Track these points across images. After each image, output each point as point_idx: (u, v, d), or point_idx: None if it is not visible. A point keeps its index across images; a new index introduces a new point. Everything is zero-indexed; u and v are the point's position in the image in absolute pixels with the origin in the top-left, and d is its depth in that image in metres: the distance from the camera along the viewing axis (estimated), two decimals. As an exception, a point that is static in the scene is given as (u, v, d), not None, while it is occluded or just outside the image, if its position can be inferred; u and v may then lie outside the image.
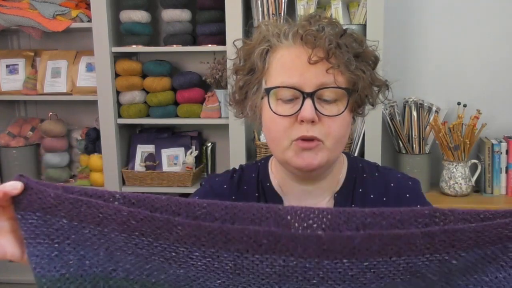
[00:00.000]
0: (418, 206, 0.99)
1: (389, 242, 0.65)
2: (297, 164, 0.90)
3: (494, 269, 0.69)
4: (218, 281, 0.67)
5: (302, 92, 0.87)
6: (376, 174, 1.02)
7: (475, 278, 0.70)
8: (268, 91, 0.90)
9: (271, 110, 0.89)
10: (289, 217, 0.67)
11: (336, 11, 2.16)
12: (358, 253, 0.65)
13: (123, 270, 0.68)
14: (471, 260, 0.68)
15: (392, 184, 1.00)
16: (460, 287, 0.70)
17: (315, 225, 0.67)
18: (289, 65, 0.89)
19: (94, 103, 2.41)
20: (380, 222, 0.67)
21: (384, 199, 0.99)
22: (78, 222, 0.67)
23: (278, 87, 0.89)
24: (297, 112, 0.87)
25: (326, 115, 0.88)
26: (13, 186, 0.66)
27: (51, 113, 2.55)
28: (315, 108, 0.87)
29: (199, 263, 0.66)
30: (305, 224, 0.67)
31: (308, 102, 0.86)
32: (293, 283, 0.66)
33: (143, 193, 0.72)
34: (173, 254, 0.66)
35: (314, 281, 0.66)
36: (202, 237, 0.65)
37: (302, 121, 0.87)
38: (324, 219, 0.67)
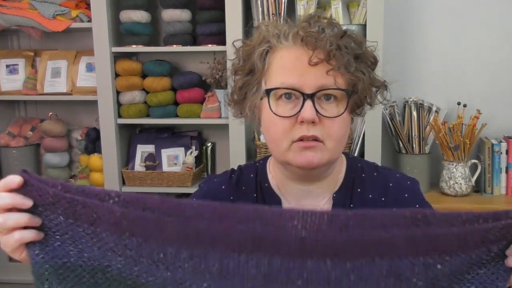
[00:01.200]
0: (417, 205, 0.99)
1: (371, 243, 0.66)
2: (298, 162, 0.90)
3: (476, 267, 0.70)
4: (204, 285, 0.68)
5: (302, 93, 0.87)
6: (375, 174, 1.02)
7: (458, 278, 0.71)
8: (268, 92, 0.90)
9: (271, 111, 0.89)
10: (274, 218, 0.68)
11: (336, 11, 2.16)
12: (341, 254, 0.66)
13: (116, 269, 0.70)
14: (456, 264, 0.69)
15: (390, 184, 1.00)
16: None
17: (299, 226, 0.67)
18: (289, 66, 0.89)
19: (94, 103, 2.41)
20: (362, 224, 0.68)
21: (383, 199, 0.99)
22: (74, 221, 0.69)
23: (279, 88, 0.89)
24: (297, 113, 0.87)
25: (326, 116, 0.88)
26: (12, 180, 0.68)
27: (51, 113, 2.55)
28: (315, 109, 0.87)
29: (186, 265, 0.68)
30: (289, 225, 0.67)
31: (309, 103, 0.87)
32: (278, 285, 0.67)
33: (142, 193, 0.73)
34: (161, 255, 0.68)
35: (299, 283, 0.67)
36: (190, 237, 0.67)
37: (302, 121, 0.87)
38: (308, 220, 0.67)
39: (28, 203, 0.69)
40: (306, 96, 0.87)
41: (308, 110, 0.86)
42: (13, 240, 0.69)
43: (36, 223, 0.69)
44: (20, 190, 0.69)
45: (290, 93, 0.88)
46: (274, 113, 0.89)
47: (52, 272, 0.69)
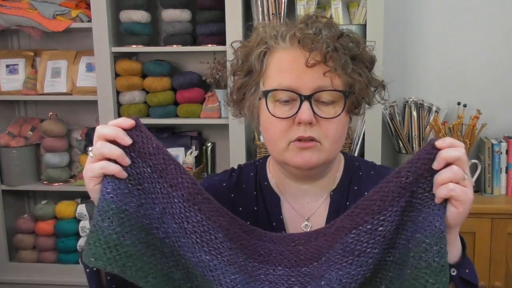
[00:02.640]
0: None
1: (327, 244, 0.81)
2: (296, 162, 0.90)
3: (416, 215, 0.76)
4: (232, 276, 0.77)
5: (300, 95, 0.87)
6: (372, 172, 1.03)
7: (401, 230, 0.77)
8: (265, 93, 0.91)
9: (269, 112, 0.90)
10: (280, 239, 0.84)
11: (336, 11, 2.16)
12: (321, 255, 0.81)
13: (164, 232, 0.77)
14: (394, 219, 0.76)
15: None
16: (404, 245, 0.77)
17: (296, 242, 0.84)
18: (286, 68, 0.89)
19: (94, 103, 2.41)
20: (330, 230, 0.83)
21: None
22: (158, 176, 0.76)
23: (276, 89, 0.89)
24: (294, 114, 0.88)
25: (323, 117, 0.89)
26: (125, 120, 0.76)
27: (51, 113, 2.54)
28: (313, 111, 0.87)
29: (224, 253, 0.77)
30: (292, 243, 0.84)
31: (306, 104, 0.87)
32: None
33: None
34: (212, 237, 0.77)
35: (296, 287, 0.80)
36: (234, 234, 0.80)
37: (299, 123, 0.88)
38: (302, 239, 0.84)
39: (128, 140, 0.75)
40: (303, 98, 0.87)
41: (305, 111, 0.87)
42: (98, 167, 0.74)
43: (126, 163, 0.75)
44: (128, 131, 0.76)
45: (287, 95, 0.89)
46: (272, 115, 0.90)
47: (116, 213, 0.73)
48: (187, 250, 0.77)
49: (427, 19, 2.42)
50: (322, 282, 0.76)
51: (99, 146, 0.74)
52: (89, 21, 2.39)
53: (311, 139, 0.88)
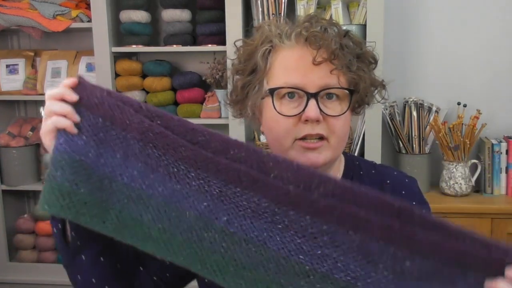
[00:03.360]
0: (414, 203, 0.99)
1: (348, 216, 0.74)
2: (301, 162, 0.90)
3: (446, 285, 0.73)
4: (205, 203, 0.77)
5: (306, 92, 0.88)
6: (373, 171, 1.03)
7: (425, 285, 0.74)
8: (272, 91, 0.90)
9: (275, 110, 0.90)
10: (271, 164, 0.77)
11: (336, 11, 2.16)
12: (319, 215, 0.74)
13: (129, 176, 0.77)
14: (425, 270, 0.73)
15: (388, 181, 1.01)
16: None
17: (289, 179, 0.76)
18: (292, 66, 0.89)
19: (94, 103, 2.41)
20: (347, 197, 0.75)
21: None
22: (110, 123, 0.77)
23: (282, 87, 0.89)
24: (301, 112, 0.88)
25: (330, 115, 0.89)
26: (68, 80, 0.79)
27: (51, 113, 2.54)
28: (319, 108, 0.87)
29: (193, 183, 0.77)
30: (282, 175, 0.77)
31: (313, 102, 0.87)
32: (262, 222, 0.76)
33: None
34: (175, 170, 0.77)
35: (280, 226, 0.75)
36: (198, 162, 0.77)
37: (306, 120, 0.88)
38: (299, 177, 0.76)
39: (74, 97, 0.78)
40: (310, 95, 0.87)
41: (312, 109, 0.87)
42: (50, 122, 0.77)
43: (75, 119, 0.77)
44: (74, 89, 0.78)
45: (294, 92, 0.89)
46: (278, 112, 0.89)
47: (69, 163, 0.76)
48: (157, 185, 0.77)
49: (427, 19, 2.42)
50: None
51: (48, 105, 0.79)
52: (89, 21, 2.39)
53: (320, 137, 0.89)
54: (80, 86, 0.79)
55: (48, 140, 0.79)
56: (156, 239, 0.78)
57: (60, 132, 0.77)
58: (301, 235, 0.75)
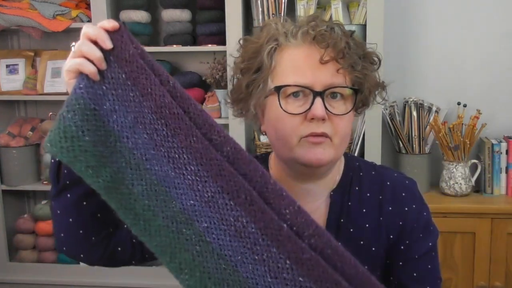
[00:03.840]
0: (414, 206, 0.99)
1: (329, 281, 0.71)
2: (307, 159, 0.90)
3: None
4: (191, 202, 0.75)
5: (312, 91, 0.88)
6: (373, 172, 1.03)
7: None
8: (278, 89, 0.90)
9: (281, 108, 0.90)
10: (272, 195, 0.75)
11: (336, 11, 2.16)
12: (300, 265, 0.72)
13: (133, 143, 0.76)
14: None
15: (388, 183, 1.00)
16: None
17: (286, 216, 0.74)
18: (299, 64, 0.90)
19: (94, 103, 2.41)
20: (334, 261, 0.73)
21: (380, 197, 0.99)
22: (131, 84, 0.75)
23: (289, 85, 0.89)
24: (307, 110, 0.88)
25: (335, 114, 0.89)
26: (109, 22, 0.75)
27: (51, 113, 2.54)
28: (325, 107, 0.88)
29: (188, 176, 0.74)
30: (281, 209, 0.74)
31: (319, 100, 0.88)
32: (240, 246, 0.74)
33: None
34: (176, 156, 0.74)
35: (256, 257, 0.73)
36: (204, 157, 0.74)
37: (312, 119, 0.88)
38: (297, 218, 0.74)
39: (109, 45, 0.74)
40: (316, 94, 0.88)
41: (318, 107, 0.87)
42: (75, 63, 0.75)
43: (102, 66, 0.75)
44: (110, 34, 0.75)
45: (299, 91, 0.89)
46: (284, 110, 0.89)
47: (82, 109, 0.74)
48: (155, 163, 0.75)
49: (427, 19, 2.42)
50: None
51: (80, 43, 0.76)
52: (89, 21, 2.39)
53: (323, 135, 0.89)
54: (118, 33, 0.75)
55: (68, 78, 0.78)
56: (138, 214, 0.77)
57: (82, 75, 0.75)
58: (274, 276, 0.72)
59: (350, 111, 0.91)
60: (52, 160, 0.88)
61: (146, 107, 0.74)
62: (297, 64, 0.90)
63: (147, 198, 0.76)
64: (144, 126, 0.75)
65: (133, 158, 0.76)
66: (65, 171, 0.86)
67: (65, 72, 0.78)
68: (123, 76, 0.75)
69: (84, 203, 0.88)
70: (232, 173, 0.74)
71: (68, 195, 0.88)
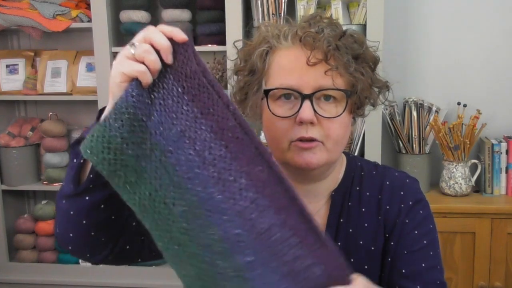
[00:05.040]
0: (410, 203, 0.98)
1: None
2: (297, 163, 0.90)
3: None
4: (237, 231, 0.68)
5: (301, 94, 0.87)
6: (374, 172, 1.02)
7: None
8: (266, 92, 0.90)
9: (270, 111, 0.90)
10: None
11: (336, 11, 2.16)
12: None
13: (176, 159, 0.69)
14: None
15: (387, 182, 1.00)
16: None
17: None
18: (288, 67, 0.89)
19: (94, 103, 2.41)
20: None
21: (379, 196, 0.99)
22: (189, 99, 0.69)
23: (277, 88, 0.89)
24: (295, 113, 0.88)
25: (324, 117, 0.88)
26: (180, 34, 0.70)
27: (51, 113, 2.54)
28: (314, 110, 0.87)
29: (241, 202, 0.68)
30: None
31: (307, 103, 0.87)
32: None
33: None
34: (231, 178, 0.68)
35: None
36: (268, 189, 0.69)
37: (301, 122, 0.87)
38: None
39: (170, 60, 0.69)
40: (304, 97, 0.87)
41: (306, 110, 0.86)
42: (137, 70, 0.68)
43: (155, 77, 0.70)
44: (173, 42, 0.70)
45: (289, 94, 0.88)
46: (273, 114, 0.89)
47: (131, 118, 0.68)
48: (198, 183, 0.69)
49: (427, 19, 2.42)
50: None
51: (145, 50, 0.69)
52: (89, 21, 2.39)
53: (313, 140, 0.88)
54: (183, 46, 0.69)
55: (120, 79, 0.70)
56: (174, 237, 0.70)
57: (137, 82, 0.69)
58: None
59: (341, 114, 0.89)
60: (75, 160, 0.80)
61: (204, 124, 0.69)
62: (286, 66, 0.89)
63: (185, 220, 0.70)
64: (193, 142, 0.69)
65: (176, 176, 0.69)
66: (91, 176, 0.78)
67: (119, 73, 0.70)
68: (179, 89, 0.69)
69: (102, 206, 0.81)
70: (300, 210, 0.69)
71: (87, 198, 0.80)
